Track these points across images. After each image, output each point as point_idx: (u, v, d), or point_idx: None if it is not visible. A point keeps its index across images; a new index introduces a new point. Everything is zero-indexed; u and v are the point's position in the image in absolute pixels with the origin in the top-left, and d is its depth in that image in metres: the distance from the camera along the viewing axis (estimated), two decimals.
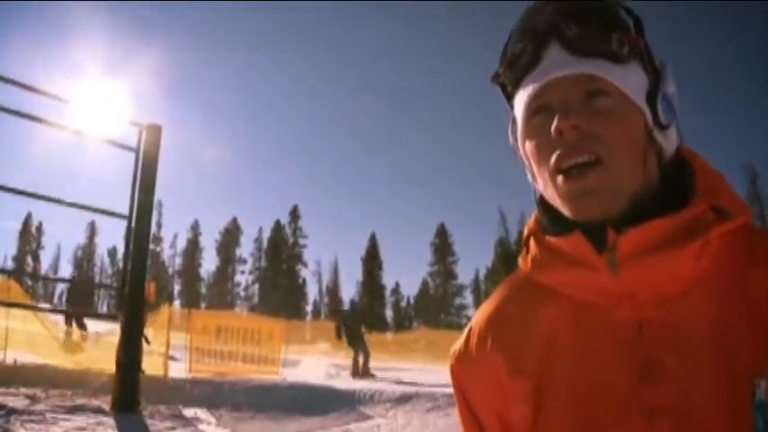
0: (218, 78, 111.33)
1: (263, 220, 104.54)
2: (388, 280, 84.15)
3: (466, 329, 0.95)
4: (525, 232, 0.90)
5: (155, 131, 8.66)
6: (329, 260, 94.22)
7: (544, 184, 0.82)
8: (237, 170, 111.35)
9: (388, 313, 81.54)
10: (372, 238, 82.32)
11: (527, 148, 0.84)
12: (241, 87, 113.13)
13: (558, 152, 0.77)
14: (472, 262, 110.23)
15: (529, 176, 0.88)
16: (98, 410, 7.38)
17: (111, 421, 7.03)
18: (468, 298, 78.98)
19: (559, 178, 0.78)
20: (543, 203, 0.87)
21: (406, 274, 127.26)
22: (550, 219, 0.85)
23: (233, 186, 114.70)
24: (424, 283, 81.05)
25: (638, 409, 0.73)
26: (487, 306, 0.95)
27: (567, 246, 0.80)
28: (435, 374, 15.45)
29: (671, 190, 0.80)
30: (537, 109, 0.80)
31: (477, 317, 0.95)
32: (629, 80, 0.79)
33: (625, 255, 0.75)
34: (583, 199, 0.77)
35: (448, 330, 36.12)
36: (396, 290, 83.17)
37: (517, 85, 0.83)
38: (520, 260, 0.90)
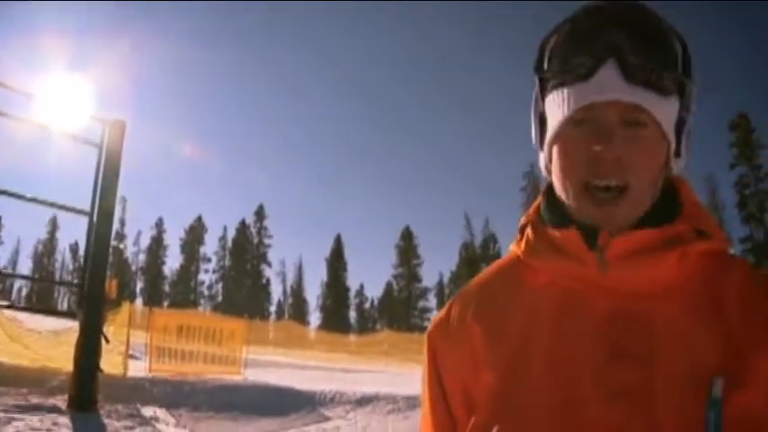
0: (185, 75, 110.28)
1: (228, 219, 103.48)
2: (352, 281, 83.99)
3: (449, 300, 1.00)
4: (523, 220, 0.96)
5: (119, 127, 8.58)
6: (294, 260, 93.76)
7: (562, 188, 0.87)
8: (203, 168, 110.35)
9: (352, 315, 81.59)
10: (338, 239, 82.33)
11: (555, 150, 0.87)
12: (208, 84, 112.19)
13: (589, 170, 0.82)
14: (437, 265, 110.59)
15: (541, 162, 0.93)
16: (54, 409, 7.29)
17: (67, 421, 6.96)
18: (431, 301, 79.45)
19: (585, 195, 0.83)
20: (549, 192, 0.93)
21: (370, 275, 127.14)
22: (552, 208, 0.91)
23: (198, 184, 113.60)
24: (389, 286, 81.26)
25: (604, 388, 0.78)
26: (474, 281, 1.00)
27: (562, 238, 0.86)
28: (397, 377, 15.50)
29: (661, 207, 0.86)
30: (578, 121, 0.83)
31: (462, 289, 1.00)
32: (668, 113, 0.84)
33: (614, 255, 0.81)
34: (606, 222, 0.83)
35: (410, 333, 36.25)
36: (360, 291, 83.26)
37: (560, 85, 0.85)
38: (512, 245, 0.96)
